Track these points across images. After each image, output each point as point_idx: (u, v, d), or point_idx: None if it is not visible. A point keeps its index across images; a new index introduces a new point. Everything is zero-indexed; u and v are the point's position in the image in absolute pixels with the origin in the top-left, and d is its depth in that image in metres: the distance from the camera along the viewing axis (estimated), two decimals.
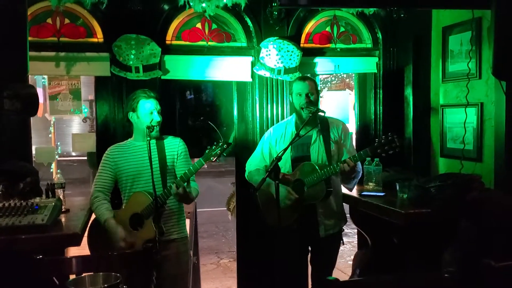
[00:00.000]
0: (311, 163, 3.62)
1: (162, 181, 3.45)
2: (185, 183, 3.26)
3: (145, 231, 3.31)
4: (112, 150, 3.60)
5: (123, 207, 3.51)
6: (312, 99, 3.68)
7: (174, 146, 3.59)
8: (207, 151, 3.22)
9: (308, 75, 4.15)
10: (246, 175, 3.98)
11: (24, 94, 3.11)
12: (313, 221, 3.68)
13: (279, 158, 3.18)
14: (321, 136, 3.71)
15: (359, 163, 3.58)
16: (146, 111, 3.48)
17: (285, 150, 3.28)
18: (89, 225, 3.56)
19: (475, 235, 3.01)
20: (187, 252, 3.69)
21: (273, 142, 3.84)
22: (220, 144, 3.19)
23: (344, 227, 3.87)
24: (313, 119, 3.61)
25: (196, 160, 3.31)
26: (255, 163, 3.90)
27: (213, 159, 3.19)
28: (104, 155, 3.60)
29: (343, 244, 3.91)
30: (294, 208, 3.58)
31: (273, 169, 3.16)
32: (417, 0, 3.68)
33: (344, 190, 3.97)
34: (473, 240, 3.01)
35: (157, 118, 3.49)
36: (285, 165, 3.71)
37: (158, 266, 2.97)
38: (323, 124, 3.75)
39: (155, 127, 3.44)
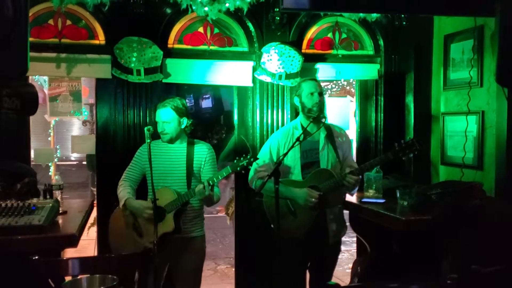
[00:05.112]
0: (326, 169, 3.59)
1: (187, 183, 3.63)
2: (210, 186, 3.46)
3: (164, 225, 3.47)
4: (145, 147, 3.65)
5: (148, 199, 3.60)
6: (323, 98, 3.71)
7: (203, 152, 3.72)
8: (235, 161, 3.46)
9: None
10: (250, 179, 3.79)
11: (23, 92, 3.08)
12: (322, 228, 3.64)
13: (280, 162, 3.17)
14: (329, 142, 3.70)
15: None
16: (157, 119, 3.69)
17: (285, 154, 3.31)
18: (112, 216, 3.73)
19: (475, 243, 2.99)
20: (204, 249, 3.83)
21: (282, 147, 3.73)
22: (248, 156, 3.44)
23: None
24: (317, 122, 3.59)
25: None
26: (264, 169, 3.72)
27: (239, 169, 3.43)
28: (138, 150, 3.77)
29: (340, 250, 3.89)
30: (311, 215, 3.53)
31: (273, 173, 3.14)
32: (420, 6, 3.66)
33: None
34: (473, 247, 2.99)
35: (159, 128, 3.65)
36: (294, 171, 3.66)
37: (156, 270, 2.97)
38: (329, 131, 3.74)
39: (161, 134, 3.65)
